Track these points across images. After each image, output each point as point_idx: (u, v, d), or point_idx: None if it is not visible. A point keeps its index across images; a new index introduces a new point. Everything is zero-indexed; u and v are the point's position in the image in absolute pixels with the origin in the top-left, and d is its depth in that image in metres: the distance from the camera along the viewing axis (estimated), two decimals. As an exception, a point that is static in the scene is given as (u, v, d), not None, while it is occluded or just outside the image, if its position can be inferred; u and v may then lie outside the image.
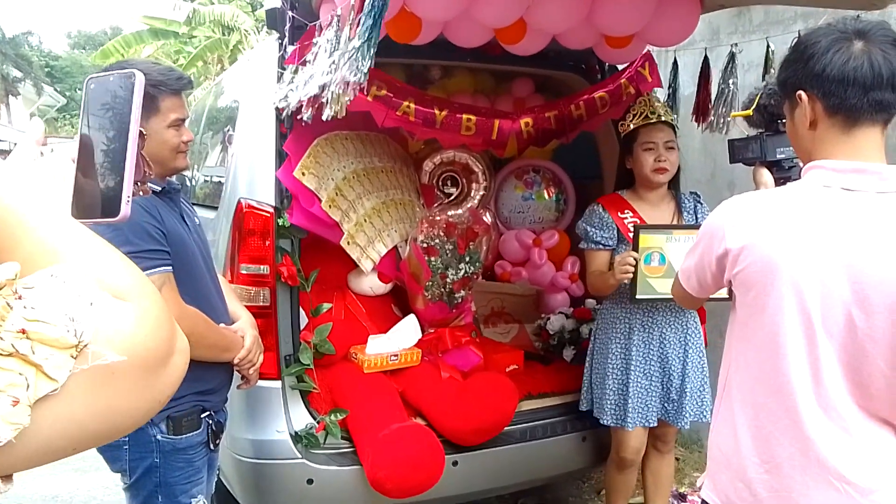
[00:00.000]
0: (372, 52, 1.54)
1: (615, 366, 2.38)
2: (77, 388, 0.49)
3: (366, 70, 1.55)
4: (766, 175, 1.53)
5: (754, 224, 1.13)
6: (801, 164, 1.16)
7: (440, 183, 3.15)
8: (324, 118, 1.74)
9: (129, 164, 0.65)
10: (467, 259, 2.71)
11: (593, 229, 2.38)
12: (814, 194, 1.11)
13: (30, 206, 0.56)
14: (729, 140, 1.71)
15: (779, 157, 1.55)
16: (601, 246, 2.37)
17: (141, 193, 0.84)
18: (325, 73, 1.71)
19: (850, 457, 1.08)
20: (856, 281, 1.04)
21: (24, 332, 0.47)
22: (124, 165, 0.65)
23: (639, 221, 2.32)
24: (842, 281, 1.05)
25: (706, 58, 2.70)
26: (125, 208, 0.65)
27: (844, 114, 1.10)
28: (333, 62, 1.67)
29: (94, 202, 0.66)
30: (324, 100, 1.71)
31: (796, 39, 2.24)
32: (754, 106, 1.59)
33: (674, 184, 2.43)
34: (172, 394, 0.57)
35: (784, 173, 1.53)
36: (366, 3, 1.51)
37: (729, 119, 2.58)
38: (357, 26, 1.56)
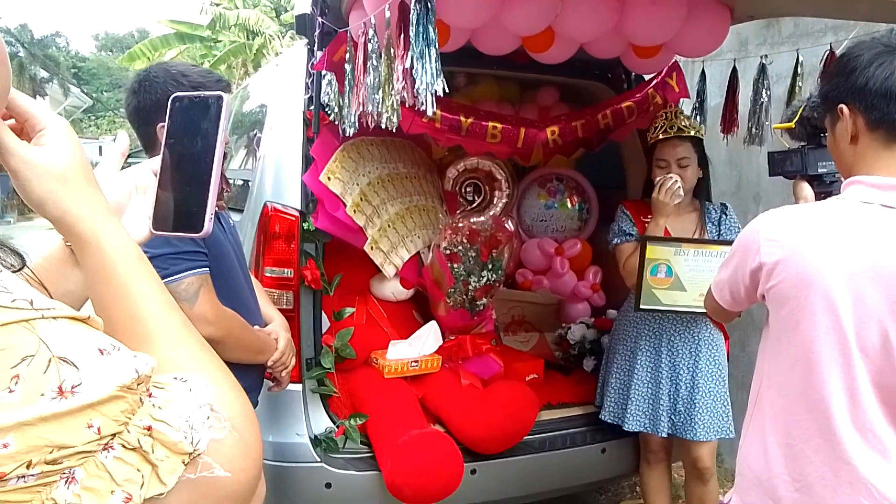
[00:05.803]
0: (437, 64, 1.56)
1: (619, 365, 2.46)
2: (177, 500, 0.49)
3: (440, 83, 1.58)
4: (806, 189, 1.50)
5: (790, 238, 1.11)
6: (842, 179, 1.14)
7: (463, 190, 3.15)
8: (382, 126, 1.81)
9: (214, 182, 0.66)
10: (490, 267, 2.70)
11: (622, 225, 2.44)
12: (852, 210, 1.09)
13: (166, 317, 0.58)
14: (769, 152, 1.67)
15: (820, 171, 1.51)
16: (631, 237, 2.41)
17: (218, 209, 0.84)
18: (376, 88, 1.74)
19: (886, 479, 1.05)
20: (894, 300, 1.02)
21: (149, 429, 0.48)
22: (209, 183, 0.65)
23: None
24: (879, 299, 1.02)
25: (734, 69, 2.67)
26: (208, 225, 0.66)
27: (886, 128, 1.08)
28: (385, 74, 1.69)
29: (173, 216, 0.67)
30: (377, 111, 1.75)
31: (828, 52, 2.24)
32: (797, 118, 1.56)
33: (699, 194, 2.42)
34: None
35: (825, 188, 1.50)
36: (412, 14, 1.52)
37: (765, 131, 2.55)
38: (406, 39, 1.57)
